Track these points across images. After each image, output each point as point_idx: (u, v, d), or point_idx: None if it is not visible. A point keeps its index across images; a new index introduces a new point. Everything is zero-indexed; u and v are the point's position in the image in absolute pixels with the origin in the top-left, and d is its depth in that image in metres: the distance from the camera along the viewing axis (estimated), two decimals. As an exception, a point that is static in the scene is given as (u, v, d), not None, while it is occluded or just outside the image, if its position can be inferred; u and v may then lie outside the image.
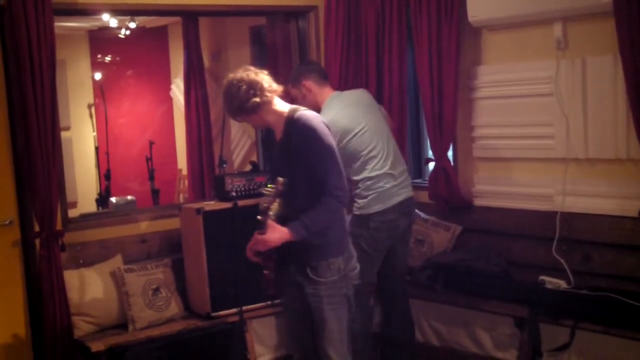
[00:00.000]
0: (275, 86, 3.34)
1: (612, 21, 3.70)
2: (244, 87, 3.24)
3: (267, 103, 3.29)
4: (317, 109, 4.10)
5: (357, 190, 4.09)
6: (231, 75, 3.32)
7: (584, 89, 4.07)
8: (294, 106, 3.40)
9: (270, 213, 3.17)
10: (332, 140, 3.29)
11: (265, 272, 3.40)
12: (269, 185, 3.20)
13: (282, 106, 3.37)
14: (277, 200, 3.17)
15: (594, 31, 4.02)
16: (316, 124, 3.26)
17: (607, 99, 3.98)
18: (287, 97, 4.45)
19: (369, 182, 4.07)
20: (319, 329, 3.39)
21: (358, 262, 3.47)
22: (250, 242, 3.31)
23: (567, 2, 4.01)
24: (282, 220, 3.26)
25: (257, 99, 3.24)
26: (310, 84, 4.17)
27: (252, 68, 3.34)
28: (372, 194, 4.06)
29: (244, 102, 3.25)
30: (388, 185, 4.09)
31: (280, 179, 3.19)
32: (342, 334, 3.38)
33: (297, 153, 3.26)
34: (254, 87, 3.25)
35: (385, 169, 4.10)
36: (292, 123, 3.28)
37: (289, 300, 3.54)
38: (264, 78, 3.31)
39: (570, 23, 4.11)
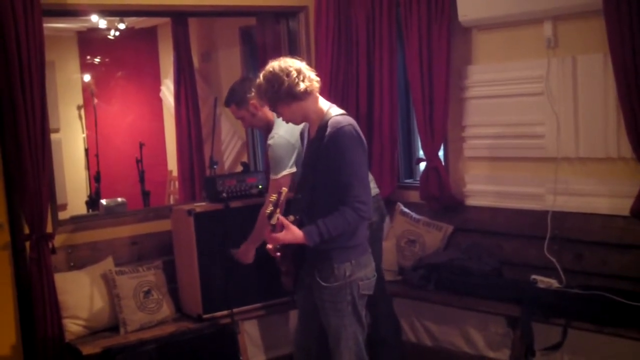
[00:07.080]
0: (317, 77, 3.27)
1: (602, 20, 3.71)
2: (294, 72, 3.18)
3: (313, 92, 3.23)
4: (269, 124, 4.08)
5: None
6: (275, 63, 3.23)
7: (575, 88, 4.08)
8: (333, 108, 3.30)
9: (272, 222, 3.09)
10: (361, 152, 3.21)
11: (283, 269, 3.38)
12: (273, 196, 3.10)
13: (322, 103, 3.31)
14: (278, 210, 3.09)
15: (584, 30, 4.03)
16: (348, 133, 3.16)
17: (597, 98, 3.99)
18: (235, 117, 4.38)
19: None
20: (327, 334, 3.37)
21: None
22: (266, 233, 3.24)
23: (557, 1, 4.02)
24: (304, 214, 3.27)
25: (307, 85, 3.18)
26: (258, 100, 3.92)
27: (291, 58, 3.29)
28: None
29: (294, 86, 3.17)
30: None
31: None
32: (348, 342, 3.30)
33: (325, 157, 3.18)
34: (303, 74, 3.19)
35: None
36: (326, 126, 3.19)
37: (300, 300, 3.53)
38: (307, 68, 3.26)
39: (561, 22, 4.12)
